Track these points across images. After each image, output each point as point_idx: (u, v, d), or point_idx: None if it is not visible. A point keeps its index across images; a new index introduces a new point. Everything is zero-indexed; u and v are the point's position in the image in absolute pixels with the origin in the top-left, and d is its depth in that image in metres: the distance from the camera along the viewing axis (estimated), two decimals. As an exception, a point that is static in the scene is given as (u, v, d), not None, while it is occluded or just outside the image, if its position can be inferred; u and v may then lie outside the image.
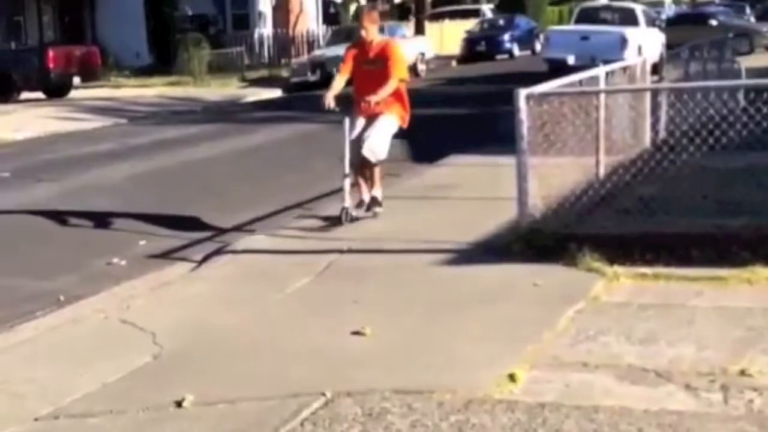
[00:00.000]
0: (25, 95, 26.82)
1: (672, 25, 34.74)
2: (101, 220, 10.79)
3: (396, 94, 9.47)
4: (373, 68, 9.37)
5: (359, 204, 9.53)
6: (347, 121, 9.35)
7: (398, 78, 9.36)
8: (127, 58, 35.20)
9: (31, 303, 7.58)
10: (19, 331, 6.88)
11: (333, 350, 5.97)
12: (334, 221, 9.25)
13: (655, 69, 18.25)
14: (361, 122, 9.48)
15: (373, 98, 9.16)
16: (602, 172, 9.85)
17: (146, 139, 18.64)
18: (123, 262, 8.86)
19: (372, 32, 9.49)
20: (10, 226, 10.64)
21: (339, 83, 9.48)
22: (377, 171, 9.60)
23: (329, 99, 9.19)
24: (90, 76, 28.94)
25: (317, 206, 10.79)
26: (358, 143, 9.33)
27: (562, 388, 5.14)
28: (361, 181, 9.62)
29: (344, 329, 6.27)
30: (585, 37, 26.65)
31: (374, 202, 9.61)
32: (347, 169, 9.26)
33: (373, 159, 9.40)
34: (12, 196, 12.47)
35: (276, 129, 18.97)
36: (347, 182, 9.25)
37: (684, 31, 30.18)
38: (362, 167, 9.51)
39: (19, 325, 7.03)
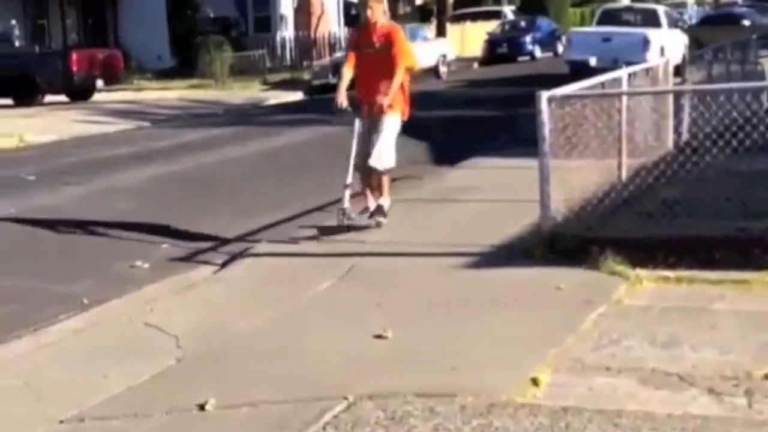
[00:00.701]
0: (48, 98, 26.97)
1: (704, 25, 34.63)
2: (124, 223, 10.84)
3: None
4: (377, 54, 9.20)
5: (363, 211, 9.42)
6: (357, 123, 9.31)
7: (404, 67, 9.21)
8: (150, 61, 35.35)
9: (56, 306, 7.62)
10: (44, 334, 6.92)
11: (355, 353, 5.98)
12: (333, 229, 9.21)
13: (678, 71, 18.18)
14: (364, 122, 9.35)
15: (385, 101, 9.05)
16: (625, 174, 9.82)
17: (169, 142, 18.71)
18: (146, 265, 8.90)
19: (377, 12, 9.27)
20: (34, 229, 10.70)
21: (347, 75, 9.33)
22: (385, 180, 9.44)
23: (341, 99, 9.09)
24: (113, 79, 29.09)
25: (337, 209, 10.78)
26: (363, 148, 9.26)
27: (584, 391, 5.13)
28: (367, 191, 9.50)
29: (366, 332, 6.28)
30: (607, 39, 26.56)
31: (379, 211, 9.37)
32: (349, 179, 9.20)
33: (381, 168, 9.27)
34: (37, 198, 12.54)
35: (298, 131, 19.01)
36: (347, 192, 9.19)
37: (716, 31, 29.98)
38: (369, 176, 9.40)
39: (44, 328, 7.07)
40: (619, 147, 9.95)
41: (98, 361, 6.19)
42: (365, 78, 9.32)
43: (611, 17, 28.99)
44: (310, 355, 6.02)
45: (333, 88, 31.48)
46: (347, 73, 9.36)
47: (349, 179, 9.18)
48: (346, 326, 6.56)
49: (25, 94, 26.39)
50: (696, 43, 27.15)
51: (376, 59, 9.18)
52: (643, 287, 7.01)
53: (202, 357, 6.13)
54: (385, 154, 9.22)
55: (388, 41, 9.20)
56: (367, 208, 9.41)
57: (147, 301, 7.58)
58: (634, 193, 8.81)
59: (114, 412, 5.33)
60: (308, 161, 14.92)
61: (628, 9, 32.19)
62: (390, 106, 9.17)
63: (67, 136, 20.32)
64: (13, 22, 32.62)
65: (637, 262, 7.30)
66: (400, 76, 9.14)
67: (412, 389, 5.23)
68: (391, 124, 9.29)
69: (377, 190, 9.43)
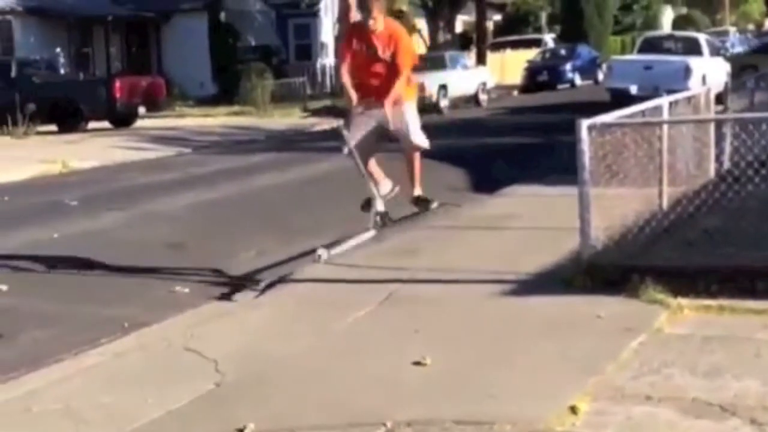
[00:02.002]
0: (92, 125, 27.27)
1: (761, 52, 34.43)
2: (165, 247, 10.93)
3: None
4: (377, 57, 8.88)
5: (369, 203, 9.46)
6: (346, 133, 9.10)
7: (407, 69, 8.97)
8: (192, 88, 35.68)
9: (97, 329, 7.68)
10: (85, 358, 6.97)
11: (393, 380, 5.98)
12: (378, 224, 9.45)
13: (720, 99, 18.08)
14: (365, 119, 9.05)
15: (388, 109, 8.78)
16: (665, 203, 9.76)
17: (210, 168, 18.85)
18: (186, 290, 8.95)
19: (380, 22, 8.83)
20: (76, 254, 10.80)
21: (347, 76, 9.01)
22: (419, 160, 9.38)
23: (356, 99, 8.93)
24: (155, 106, 29.39)
25: (378, 235, 10.80)
26: (368, 142, 9.13)
27: (624, 420, 5.10)
28: (377, 178, 9.51)
29: (405, 359, 6.28)
30: (648, 67, 26.49)
31: (421, 201, 9.51)
32: (364, 171, 9.25)
33: (425, 145, 9.23)
34: (79, 223, 12.67)
35: (338, 158, 18.97)
36: (372, 185, 9.26)
37: None
38: (407, 161, 9.38)
39: (85, 351, 7.12)
40: (660, 175, 9.90)
41: (138, 385, 6.22)
42: (364, 77, 9.01)
43: (652, 45, 28.92)
44: (348, 381, 6.03)
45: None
46: (346, 73, 9.05)
47: (374, 190, 9.24)
48: (385, 352, 6.56)
49: (69, 121, 26.71)
50: (755, 69, 26.93)
51: (377, 61, 8.91)
52: (684, 316, 6.96)
53: (241, 381, 6.15)
54: (419, 132, 9.18)
55: (393, 47, 8.85)
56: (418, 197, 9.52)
57: (187, 325, 7.62)
58: (675, 221, 8.76)
59: (153, 435, 5.35)
60: (349, 188, 14.92)
61: (670, 37, 32.13)
62: (396, 102, 8.93)
63: (110, 162, 20.54)
64: (58, 49, 33.06)
65: (678, 290, 7.25)
66: (404, 80, 8.94)
67: (451, 417, 5.22)
68: (409, 110, 9.13)
69: (411, 176, 9.43)
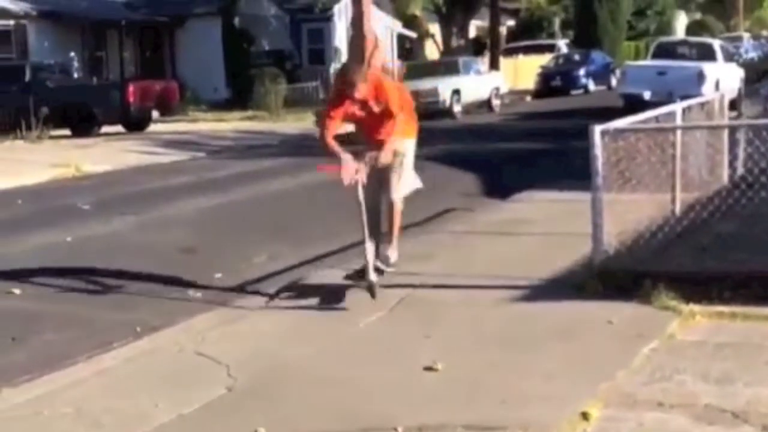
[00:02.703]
0: (105, 129, 27.33)
1: None
2: (178, 252, 10.95)
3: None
4: (366, 110, 8.15)
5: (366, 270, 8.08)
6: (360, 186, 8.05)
7: (400, 113, 8.18)
8: (205, 92, 35.74)
9: (109, 333, 7.70)
10: (97, 362, 6.98)
11: (405, 385, 5.97)
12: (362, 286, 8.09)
13: (733, 105, 18.04)
14: (359, 167, 8.05)
15: (383, 156, 8.02)
16: (678, 208, 9.74)
17: (223, 173, 18.88)
18: (198, 295, 8.96)
19: (363, 88, 8.00)
20: (87, 258, 10.83)
21: (336, 145, 8.04)
22: (398, 214, 8.35)
23: (351, 177, 7.96)
24: (168, 110, 29.43)
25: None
26: (372, 190, 8.17)
27: (635, 427, 5.09)
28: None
29: (416, 364, 6.28)
30: (662, 73, 26.43)
31: (383, 261, 8.30)
32: (369, 252, 8.01)
33: (398, 200, 8.29)
34: (92, 227, 12.70)
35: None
36: (369, 248, 8.03)
37: None
38: (387, 215, 8.34)
39: (97, 355, 7.14)
40: (673, 181, 9.88)
41: (150, 389, 6.23)
42: (360, 128, 8.41)
43: (666, 51, 28.85)
44: (359, 386, 6.03)
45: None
46: (330, 138, 8.05)
47: (371, 254, 8.03)
48: (396, 358, 6.56)
49: (83, 125, 26.76)
50: None
51: (368, 115, 8.18)
52: (697, 322, 6.94)
53: (253, 386, 6.16)
54: (402, 186, 8.34)
55: (382, 98, 8.11)
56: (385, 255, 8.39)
57: (199, 330, 7.63)
58: (688, 227, 8.74)
59: (165, 440, 5.36)
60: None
61: (684, 42, 32.05)
62: (386, 134, 8.16)
63: (123, 166, 20.59)
64: (72, 54, 33.16)
65: (690, 296, 7.23)
66: (400, 124, 8.17)
67: (462, 422, 5.21)
68: (403, 150, 8.37)
69: (389, 227, 8.39)
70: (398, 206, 8.34)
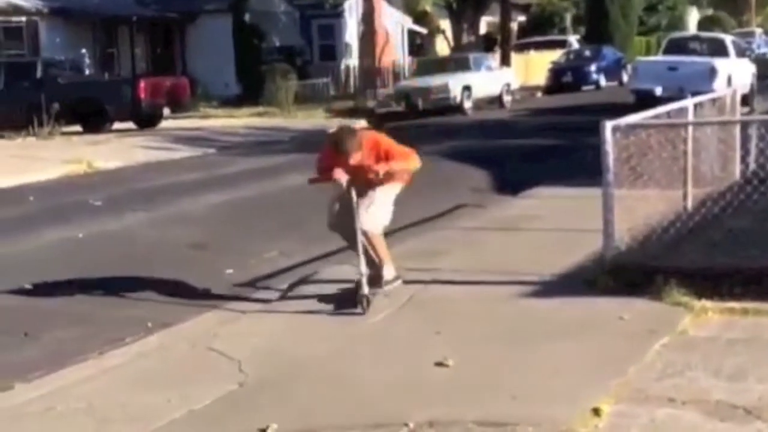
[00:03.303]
0: (116, 125, 27.38)
1: None
2: (189, 248, 10.98)
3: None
4: (367, 170, 7.83)
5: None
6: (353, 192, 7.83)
7: (407, 159, 7.97)
8: (216, 88, 35.77)
9: (120, 329, 7.72)
10: (109, 358, 7.01)
11: (415, 381, 5.98)
12: (338, 307, 7.78)
13: (745, 100, 17.98)
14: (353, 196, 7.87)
15: (380, 167, 7.78)
16: (690, 204, 9.72)
17: (234, 169, 18.89)
18: (210, 290, 8.98)
19: (358, 156, 7.73)
20: (99, 254, 10.86)
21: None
22: (378, 244, 8.04)
23: (340, 175, 7.76)
24: (179, 106, 29.45)
25: (400, 237, 10.82)
26: (343, 211, 7.93)
27: (647, 423, 5.08)
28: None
29: (427, 360, 6.28)
30: (673, 68, 26.33)
31: (375, 281, 7.94)
32: (362, 266, 7.75)
33: (370, 229, 7.89)
34: (103, 223, 12.73)
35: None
36: (363, 261, 7.76)
37: None
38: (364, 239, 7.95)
39: (109, 351, 7.16)
40: (685, 177, 9.86)
41: (161, 385, 6.25)
42: (354, 177, 7.85)
43: (678, 46, 28.74)
44: (370, 381, 6.03)
45: (397, 117, 31.51)
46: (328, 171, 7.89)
47: (363, 268, 7.74)
48: (407, 354, 6.56)
49: (94, 121, 26.79)
50: None
51: (366, 171, 7.85)
52: (709, 318, 6.93)
53: (264, 382, 6.17)
54: (375, 215, 7.93)
55: (378, 159, 7.83)
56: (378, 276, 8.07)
57: (210, 325, 7.65)
58: (700, 223, 8.72)
59: (176, 435, 5.38)
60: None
61: (695, 38, 31.92)
62: (386, 176, 7.90)
63: (134, 163, 20.62)
64: (83, 50, 33.22)
65: (702, 292, 7.22)
66: (401, 165, 7.93)
67: (473, 418, 5.21)
68: (386, 188, 8.01)
69: (375, 255, 8.04)
70: (371, 234, 7.93)
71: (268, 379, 6.23)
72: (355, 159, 7.69)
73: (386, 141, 8.01)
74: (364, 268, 7.75)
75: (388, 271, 8.15)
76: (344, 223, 7.96)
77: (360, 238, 7.81)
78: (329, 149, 7.99)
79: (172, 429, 5.47)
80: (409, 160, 8.02)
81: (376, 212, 7.95)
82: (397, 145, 8.03)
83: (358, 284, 7.70)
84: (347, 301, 7.82)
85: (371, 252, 8.02)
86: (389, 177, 7.94)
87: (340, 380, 6.11)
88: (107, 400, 6.03)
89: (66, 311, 8.42)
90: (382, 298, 7.85)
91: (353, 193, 7.82)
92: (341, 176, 7.76)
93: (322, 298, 8.08)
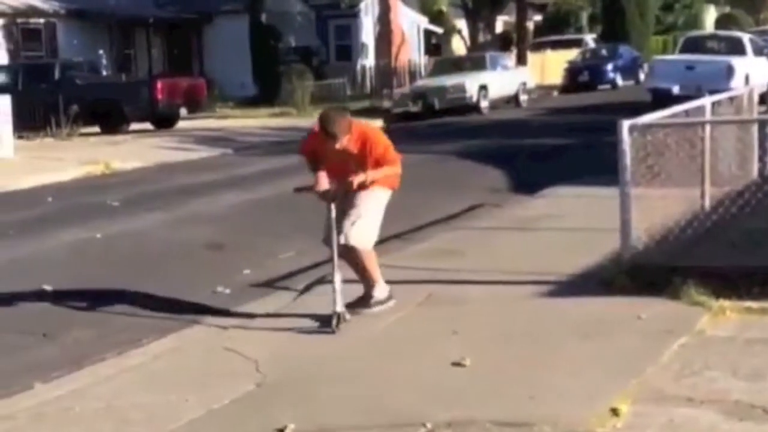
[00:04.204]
0: (134, 126, 27.47)
1: None
2: (207, 249, 11.01)
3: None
4: (351, 160, 7.41)
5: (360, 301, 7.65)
6: (333, 206, 7.42)
7: (393, 164, 7.53)
8: (233, 89, 35.84)
9: (138, 330, 7.75)
10: (127, 358, 7.04)
11: (433, 381, 5.98)
12: (322, 324, 7.29)
13: (763, 99, 17.89)
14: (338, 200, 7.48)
15: (358, 178, 7.32)
16: (708, 203, 9.69)
17: (250, 169, 18.92)
18: (227, 291, 9.00)
19: (346, 140, 7.32)
20: (117, 255, 10.90)
21: (322, 170, 7.53)
22: (367, 261, 7.55)
23: (326, 186, 7.44)
24: (196, 107, 29.53)
25: (416, 237, 10.84)
26: (337, 225, 7.40)
27: (665, 422, 5.07)
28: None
29: (444, 360, 6.28)
30: (690, 67, 26.24)
31: (363, 301, 7.62)
32: (337, 281, 7.28)
33: (353, 243, 7.39)
34: (121, 224, 12.77)
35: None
36: (338, 277, 7.29)
37: None
38: (347, 258, 7.51)
39: (127, 351, 7.19)
40: (702, 176, 9.83)
41: (179, 385, 6.27)
42: (337, 176, 7.49)
43: (695, 45, 28.62)
44: (388, 382, 6.04)
45: (413, 117, 31.40)
46: (315, 164, 7.61)
47: (338, 284, 7.28)
48: (424, 354, 6.57)
49: (112, 122, 26.90)
50: None
51: (350, 165, 7.41)
52: (727, 318, 6.91)
53: (282, 382, 6.18)
54: (361, 229, 7.40)
55: (363, 153, 7.39)
56: (367, 295, 7.68)
57: (228, 326, 7.66)
58: (718, 222, 8.68)
59: (194, 435, 5.40)
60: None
61: (712, 36, 31.80)
62: (372, 183, 7.45)
63: (152, 163, 20.68)
64: (101, 51, 33.36)
65: (720, 292, 7.19)
66: (385, 172, 7.48)
67: (490, 418, 5.21)
68: (374, 196, 7.51)
69: (360, 274, 7.63)
70: (361, 250, 7.45)
71: (286, 379, 6.25)
72: (341, 143, 7.26)
73: (376, 136, 7.57)
74: (338, 284, 7.25)
75: (380, 291, 7.64)
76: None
77: (336, 249, 7.31)
78: (316, 131, 7.52)
79: (190, 429, 5.49)
80: (396, 163, 7.55)
81: (364, 227, 7.41)
82: (387, 144, 7.51)
83: (334, 300, 7.23)
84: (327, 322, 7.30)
85: (361, 270, 7.57)
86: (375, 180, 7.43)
87: (358, 380, 6.12)
88: (126, 401, 6.05)
89: (84, 312, 8.46)
90: (369, 318, 7.45)
91: (332, 207, 7.35)
92: (323, 186, 7.38)
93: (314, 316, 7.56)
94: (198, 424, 5.55)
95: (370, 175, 7.33)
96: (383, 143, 7.49)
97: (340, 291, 7.28)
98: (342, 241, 7.34)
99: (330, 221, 7.38)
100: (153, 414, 5.75)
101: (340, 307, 7.26)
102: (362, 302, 7.62)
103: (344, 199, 7.45)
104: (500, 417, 5.22)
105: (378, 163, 7.41)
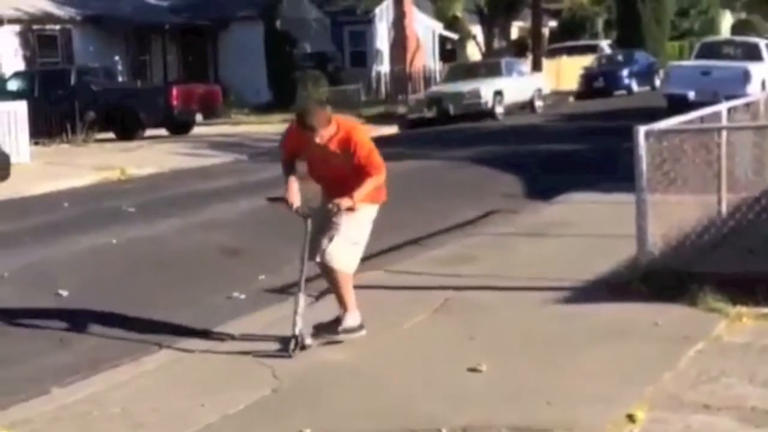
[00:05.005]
0: (149, 132, 27.55)
1: None
2: (222, 254, 11.02)
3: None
4: (333, 159, 6.96)
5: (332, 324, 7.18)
6: (309, 222, 7.00)
7: (377, 174, 6.97)
8: (248, 95, 35.91)
9: (154, 335, 7.76)
10: (143, 363, 7.04)
11: (449, 386, 5.98)
12: (280, 349, 6.87)
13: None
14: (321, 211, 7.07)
15: (345, 203, 6.80)
16: (725, 209, 9.66)
17: (266, 175, 18.89)
18: (243, 296, 9.02)
19: (326, 134, 6.86)
20: (133, 260, 10.92)
21: (293, 179, 7.15)
22: (343, 284, 7.04)
23: (294, 198, 7.03)
24: (211, 113, 29.59)
25: (432, 243, 10.84)
26: (315, 240, 6.96)
27: (682, 429, 5.05)
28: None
29: (460, 365, 6.28)
30: (706, 73, 26.17)
31: (332, 326, 7.10)
32: (301, 303, 6.88)
33: (332, 264, 6.93)
34: (137, 230, 12.80)
35: (393, 165, 18.99)
36: (302, 298, 6.90)
37: None
38: (325, 277, 7.16)
39: (142, 357, 7.20)
40: (719, 182, 9.80)
41: (195, 390, 6.28)
42: (322, 181, 7.24)
43: (711, 50, 28.56)
44: (403, 387, 6.04)
45: (428, 122, 31.30)
46: (291, 175, 7.19)
47: (301, 304, 6.87)
48: (440, 359, 6.56)
49: (127, 128, 26.99)
50: None
51: (333, 167, 7.00)
52: (743, 324, 6.88)
53: (298, 387, 6.18)
54: (341, 248, 6.92)
55: (346, 152, 6.90)
56: (339, 319, 7.16)
57: (244, 331, 7.67)
58: (735, 228, 8.66)
59: (210, 440, 5.41)
60: (403, 195, 14.94)
61: (729, 42, 31.73)
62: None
63: (167, 169, 20.73)
64: (116, 58, 33.48)
65: (737, 298, 7.17)
66: (373, 183, 6.94)
67: (507, 423, 5.21)
68: (358, 214, 6.94)
69: (336, 296, 7.16)
70: (340, 273, 6.99)
71: (302, 384, 6.25)
72: (321, 137, 6.81)
73: (362, 136, 7.01)
74: (301, 304, 6.84)
75: (353, 318, 7.09)
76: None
77: (305, 267, 6.94)
78: (294, 127, 7.09)
79: (206, 434, 5.51)
80: (380, 171, 6.99)
81: (343, 246, 6.91)
82: (371, 147, 6.98)
83: (294, 323, 6.82)
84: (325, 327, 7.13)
85: (336, 293, 7.10)
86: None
87: (374, 385, 6.12)
88: (142, 405, 6.06)
89: (100, 317, 8.47)
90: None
91: (308, 224, 6.95)
92: (293, 200, 6.98)
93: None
94: (213, 430, 5.56)
95: (357, 196, 6.79)
96: (367, 146, 6.95)
97: (301, 313, 6.81)
98: (318, 259, 6.90)
99: (306, 236, 6.94)
100: (169, 418, 5.76)
101: (297, 329, 6.76)
102: (330, 328, 7.09)
103: (325, 212, 6.96)
104: (516, 422, 5.21)
105: (361, 169, 6.88)
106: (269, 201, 7.45)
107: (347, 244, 6.93)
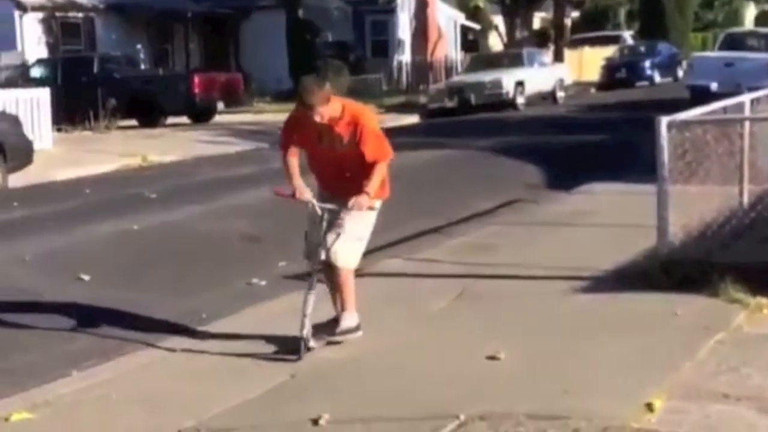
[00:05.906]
0: (171, 119, 27.63)
1: None
2: (243, 241, 11.06)
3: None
4: (338, 150, 6.73)
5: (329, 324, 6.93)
6: (314, 206, 6.83)
7: (385, 160, 6.74)
8: (269, 83, 35.94)
9: (174, 320, 7.80)
10: (163, 347, 7.08)
11: (467, 374, 5.99)
12: (287, 351, 6.60)
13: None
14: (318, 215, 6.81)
15: (364, 202, 6.57)
16: (746, 200, 9.62)
17: (286, 163, 18.95)
18: (263, 282, 9.05)
19: (327, 113, 6.57)
20: (155, 246, 10.98)
21: (294, 164, 6.94)
22: (346, 283, 6.84)
23: (304, 193, 6.77)
24: (233, 101, 29.66)
25: (453, 231, 10.84)
26: (317, 236, 6.77)
27: (701, 419, 5.04)
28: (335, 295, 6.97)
29: (479, 353, 6.29)
30: (729, 64, 26.02)
31: (330, 327, 6.85)
32: (309, 307, 6.59)
33: (339, 264, 6.74)
34: (158, 216, 12.86)
35: (414, 154, 19.05)
36: (311, 298, 6.62)
37: None
38: (328, 274, 6.91)
39: (162, 341, 7.23)
40: (741, 173, 9.76)
41: (215, 374, 6.32)
42: (325, 173, 6.98)
43: (734, 42, 28.38)
44: (422, 374, 6.05)
45: (449, 112, 31.25)
46: (293, 164, 6.93)
47: (309, 308, 6.58)
48: (459, 347, 6.57)
49: (149, 116, 27.08)
50: None
51: (338, 156, 6.75)
52: (764, 315, 6.86)
53: (317, 373, 6.21)
54: (347, 245, 6.71)
55: (353, 138, 6.64)
56: (336, 320, 6.92)
57: (263, 317, 7.70)
58: (756, 219, 8.63)
59: (230, 423, 5.44)
60: (425, 183, 14.96)
61: (752, 33, 31.52)
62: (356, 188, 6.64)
63: (189, 157, 20.79)
64: (139, 46, 33.58)
65: (757, 289, 7.15)
66: (382, 170, 6.72)
67: (524, 411, 5.21)
68: (365, 214, 6.74)
69: (339, 295, 6.89)
70: (344, 271, 6.80)
71: (321, 369, 6.27)
72: (321, 116, 6.52)
73: (369, 122, 6.74)
74: (310, 306, 6.58)
75: (351, 319, 6.87)
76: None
77: (316, 267, 6.74)
78: (296, 109, 6.86)
79: (225, 418, 5.53)
80: (387, 158, 6.76)
81: (351, 244, 6.73)
82: (378, 133, 6.75)
83: (302, 324, 6.55)
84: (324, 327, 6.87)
85: (338, 291, 6.87)
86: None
87: (392, 371, 6.13)
88: (162, 389, 6.10)
89: (121, 301, 8.52)
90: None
91: (324, 221, 6.73)
92: (306, 196, 6.75)
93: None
94: (233, 413, 5.59)
95: (371, 190, 6.57)
96: (375, 132, 6.72)
97: (309, 315, 6.56)
98: (323, 257, 6.68)
99: (317, 234, 6.75)
100: (189, 402, 5.80)
101: (305, 332, 6.52)
102: (328, 328, 6.85)
103: (337, 212, 6.73)
104: (534, 410, 5.21)
105: (368, 155, 6.63)
106: (276, 195, 7.17)
107: (353, 240, 6.76)
